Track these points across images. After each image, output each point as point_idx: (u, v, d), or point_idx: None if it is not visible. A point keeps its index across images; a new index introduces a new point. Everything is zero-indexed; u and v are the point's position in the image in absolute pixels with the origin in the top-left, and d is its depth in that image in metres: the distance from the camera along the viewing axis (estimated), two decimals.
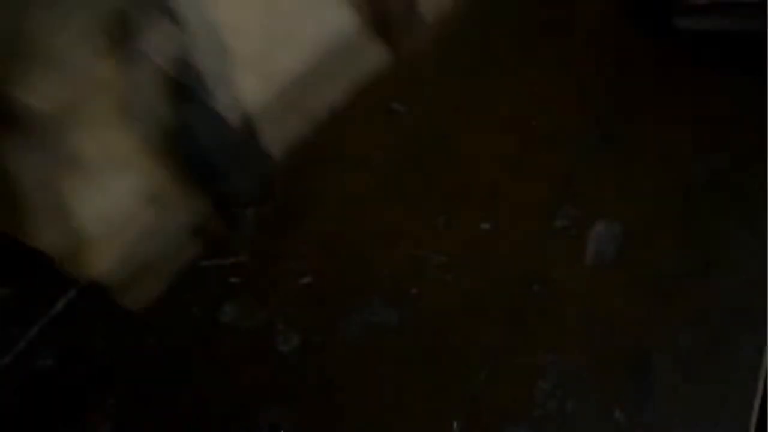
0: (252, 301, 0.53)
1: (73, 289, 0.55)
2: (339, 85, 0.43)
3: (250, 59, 0.38)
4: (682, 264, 0.58)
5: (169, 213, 0.37)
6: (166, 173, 0.36)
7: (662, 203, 0.62)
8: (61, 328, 0.53)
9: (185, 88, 0.33)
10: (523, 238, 0.59)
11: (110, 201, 0.34)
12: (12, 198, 0.33)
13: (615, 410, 0.51)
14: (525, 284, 0.56)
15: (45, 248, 0.34)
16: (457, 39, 0.66)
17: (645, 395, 0.51)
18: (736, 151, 0.66)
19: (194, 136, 0.34)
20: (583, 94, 0.68)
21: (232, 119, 0.35)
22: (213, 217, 0.39)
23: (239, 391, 0.50)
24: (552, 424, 0.50)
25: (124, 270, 0.35)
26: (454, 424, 0.50)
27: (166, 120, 0.34)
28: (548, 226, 0.60)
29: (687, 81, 0.72)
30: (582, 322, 0.55)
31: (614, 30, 0.76)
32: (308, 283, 0.55)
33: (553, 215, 0.60)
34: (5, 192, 0.33)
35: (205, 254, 0.51)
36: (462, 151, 0.63)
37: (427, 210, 0.60)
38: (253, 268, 0.54)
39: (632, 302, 0.56)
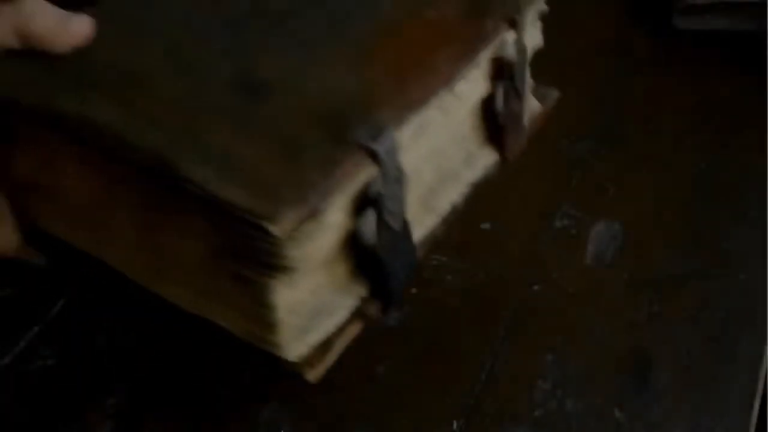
0: None
1: (73, 290, 0.55)
2: (461, 188, 0.52)
3: (420, 193, 0.48)
4: (682, 264, 0.59)
5: (341, 300, 0.44)
6: (342, 269, 0.43)
7: (662, 203, 0.62)
8: (61, 328, 0.53)
9: (369, 206, 0.42)
10: (523, 238, 0.59)
11: (302, 296, 0.41)
12: (269, 320, 0.41)
13: (615, 410, 0.51)
14: (525, 284, 0.56)
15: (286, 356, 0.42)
16: None
17: (645, 395, 0.51)
18: (736, 150, 0.66)
19: (370, 244, 0.43)
20: (582, 93, 0.68)
21: (397, 226, 0.44)
22: (371, 301, 0.46)
23: (239, 391, 0.50)
24: (552, 424, 0.50)
25: (309, 348, 0.43)
26: (454, 424, 0.50)
27: (350, 229, 0.42)
28: (548, 226, 0.60)
29: (687, 81, 0.72)
30: (582, 322, 0.55)
31: (614, 30, 0.76)
32: None
33: (553, 215, 0.61)
34: (265, 317, 0.41)
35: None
36: None
37: None
38: None
39: (632, 302, 0.56)
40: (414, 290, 0.55)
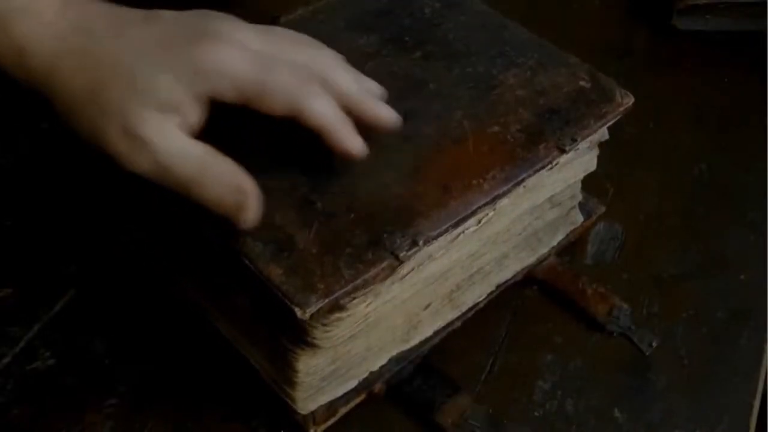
0: None
1: (73, 289, 0.55)
2: (487, 288, 0.54)
3: (447, 290, 0.52)
4: (682, 264, 0.59)
5: (354, 371, 0.49)
6: (359, 347, 0.48)
7: (662, 203, 0.62)
8: (61, 328, 0.53)
9: None
10: None
11: (321, 363, 0.47)
12: (290, 378, 0.47)
13: (615, 410, 0.51)
14: (525, 284, 0.56)
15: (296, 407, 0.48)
16: None
17: (645, 395, 0.51)
18: (736, 151, 0.66)
19: None
20: None
21: None
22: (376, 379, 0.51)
23: (239, 391, 0.50)
24: (552, 424, 0.50)
25: (317, 406, 0.49)
26: None
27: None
28: None
29: (687, 81, 0.72)
30: (582, 322, 0.55)
31: (614, 30, 0.76)
32: None
33: None
34: (287, 374, 0.47)
35: None
36: None
37: None
38: None
39: (632, 302, 0.56)
40: None
